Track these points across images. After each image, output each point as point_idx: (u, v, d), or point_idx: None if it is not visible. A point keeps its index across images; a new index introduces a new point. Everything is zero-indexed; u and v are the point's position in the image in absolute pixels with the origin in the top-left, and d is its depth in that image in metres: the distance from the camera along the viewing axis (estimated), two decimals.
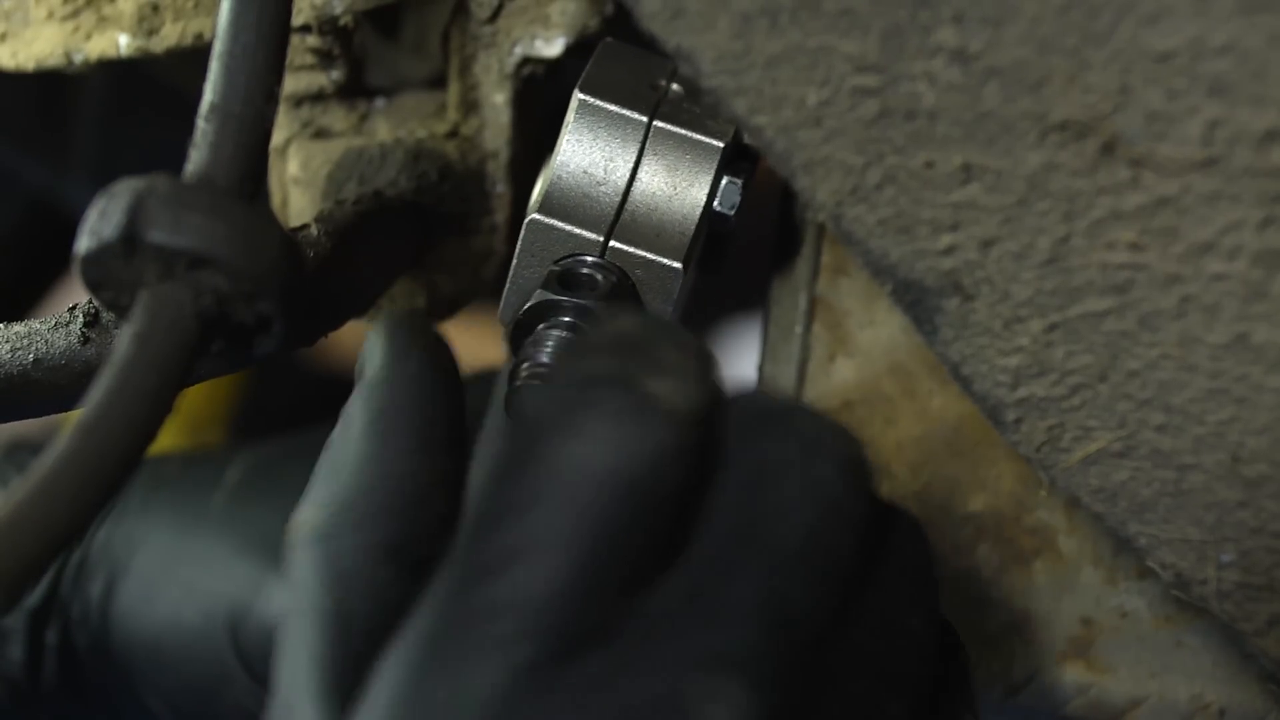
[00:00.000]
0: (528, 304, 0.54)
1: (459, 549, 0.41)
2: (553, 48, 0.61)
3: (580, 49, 0.60)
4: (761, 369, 0.62)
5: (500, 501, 0.41)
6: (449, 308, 0.67)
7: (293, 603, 0.44)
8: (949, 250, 0.50)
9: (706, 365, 0.43)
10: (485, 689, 0.38)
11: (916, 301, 0.51)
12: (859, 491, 0.43)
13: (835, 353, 0.61)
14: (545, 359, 0.52)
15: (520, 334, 0.54)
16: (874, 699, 0.42)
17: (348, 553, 0.44)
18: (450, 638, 0.39)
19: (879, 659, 0.43)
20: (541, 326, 0.53)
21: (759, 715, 0.38)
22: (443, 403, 0.47)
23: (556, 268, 0.54)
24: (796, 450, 0.42)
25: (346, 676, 0.42)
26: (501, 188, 0.64)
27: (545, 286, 0.54)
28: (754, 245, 0.62)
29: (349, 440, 0.46)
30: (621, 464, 0.40)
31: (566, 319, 0.53)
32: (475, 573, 0.40)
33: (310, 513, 0.45)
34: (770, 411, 0.43)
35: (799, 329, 0.61)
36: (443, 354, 0.49)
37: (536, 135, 0.64)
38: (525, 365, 0.53)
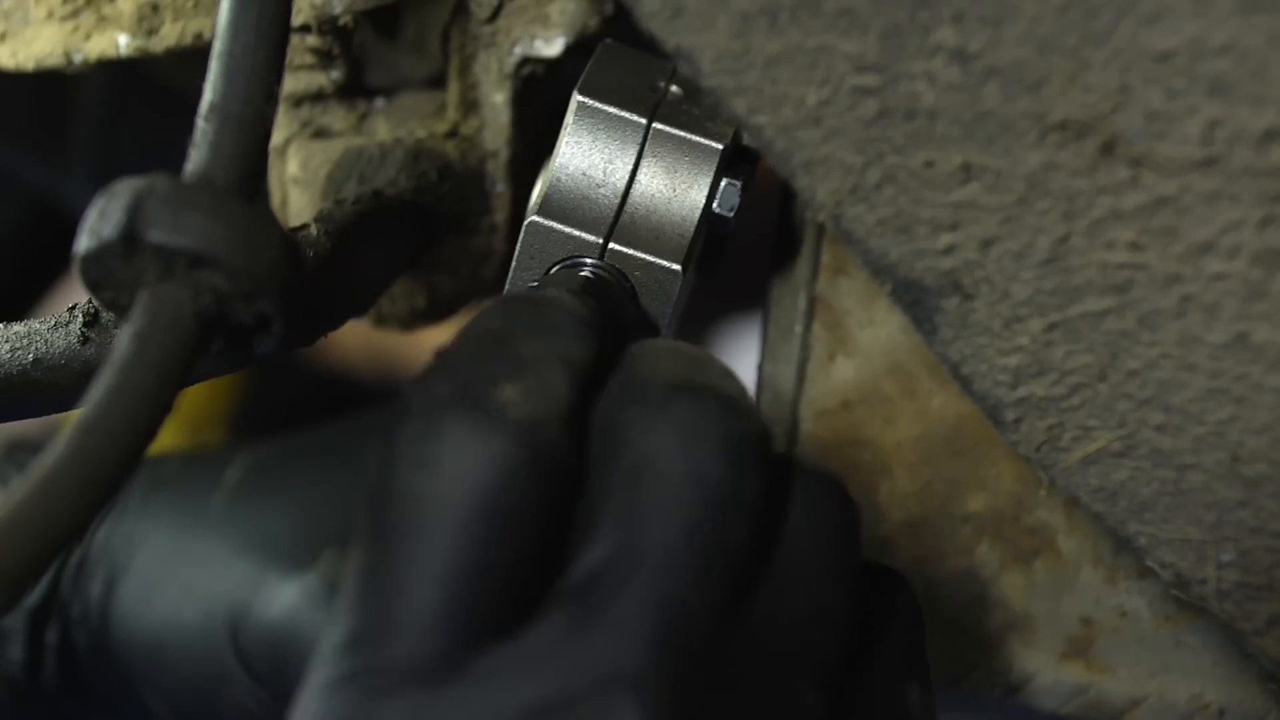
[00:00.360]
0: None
1: (343, 602, 0.40)
2: (552, 47, 0.61)
3: (580, 49, 0.60)
4: (761, 369, 0.62)
5: (366, 549, 0.40)
6: (449, 307, 0.67)
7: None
8: (948, 250, 0.50)
9: (572, 346, 0.43)
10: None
11: (916, 301, 0.51)
12: (746, 470, 0.41)
13: (835, 352, 0.61)
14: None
15: None
16: (786, 688, 0.41)
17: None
18: (335, 690, 0.39)
19: (787, 642, 0.41)
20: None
21: None
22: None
23: (555, 269, 0.54)
24: (674, 439, 0.41)
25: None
26: (501, 187, 0.64)
27: (547, 285, 0.54)
28: (754, 245, 0.62)
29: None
30: (473, 491, 0.39)
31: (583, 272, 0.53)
32: (354, 629, 0.39)
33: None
34: (646, 396, 0.42)
35: (799, 329, 0.61)
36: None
37: (536, 135, 0.64)
38: None
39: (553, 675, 0.38)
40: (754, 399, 0.62)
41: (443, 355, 0.43)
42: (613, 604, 0.38)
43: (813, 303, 0.60)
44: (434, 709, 0.38)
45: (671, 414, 0.41)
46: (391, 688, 0.38)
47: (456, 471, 0.40)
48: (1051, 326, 0.50)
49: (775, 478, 0.43)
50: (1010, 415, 0.52)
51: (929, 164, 0.49)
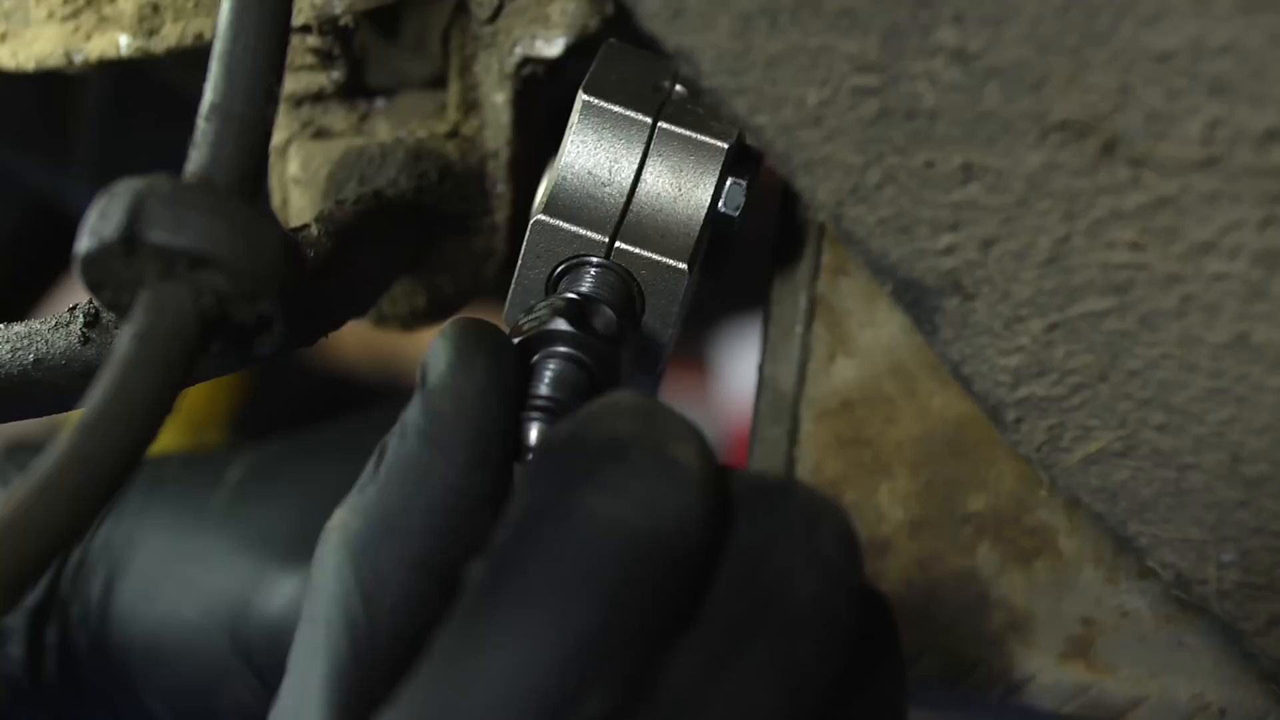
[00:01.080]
0: (524, 328, 0.52)
1: (478, 590, 0.41)
2: (553, 48, 0.61)
3: (581, 49, 0.60)
4: (761, 369, 0.62)
5: (524, 549, 0.41)
6: (449, 308, 0.67)
7: (314, 608, 0.44)
8: (949, 250, 0.50)
9: (705, 437, 0.44)
10: None
11: (917, 301, 0.51)
12: (855, 562, 0.44)
13: (835, 352, 0.61)
14: (545, 390, 0.50)
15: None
16: None
17: (382, 563, 0.44)
18: (463, 690, 0.39)
19: None
20: (538, 357, 0.51)
21: None
22: (500, 417, 0.47)
23: (561, 268, 0.54)
24: (798, 522, 0.43)
25: (360, 696, 0.42)
26: (502, 187, 0.64)
27: (549, 308, 0.52)
28: (754, 245, 0.62)
29: (400, 449, 0.46)
30: (652, 523, 0.40)
31: (563, 349, 0.51)
32: (498, 619, 0.40)
33: (345, 516, 0.45)
34: (768, 486, 0.44)
35: (799, 329, 0.61)
36: (506, 364, 0.48)
37: (537, 135, 0.64)
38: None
39: (690, 716, 0.39)
40: (754, 400, 0.62)
41: (602, 407, 0.44)
42: (746, 654, 0.40)
43: (813, 303, 0.60)
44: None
45: (793, 500, 0.44)
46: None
47: (647, 503, 0.41)
48: (1052, 327, 0.50)
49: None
50: (1011, 415, 0.52)
51: (929, 164, 0.49)
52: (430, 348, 0.48)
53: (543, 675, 0.39)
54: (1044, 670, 0.61)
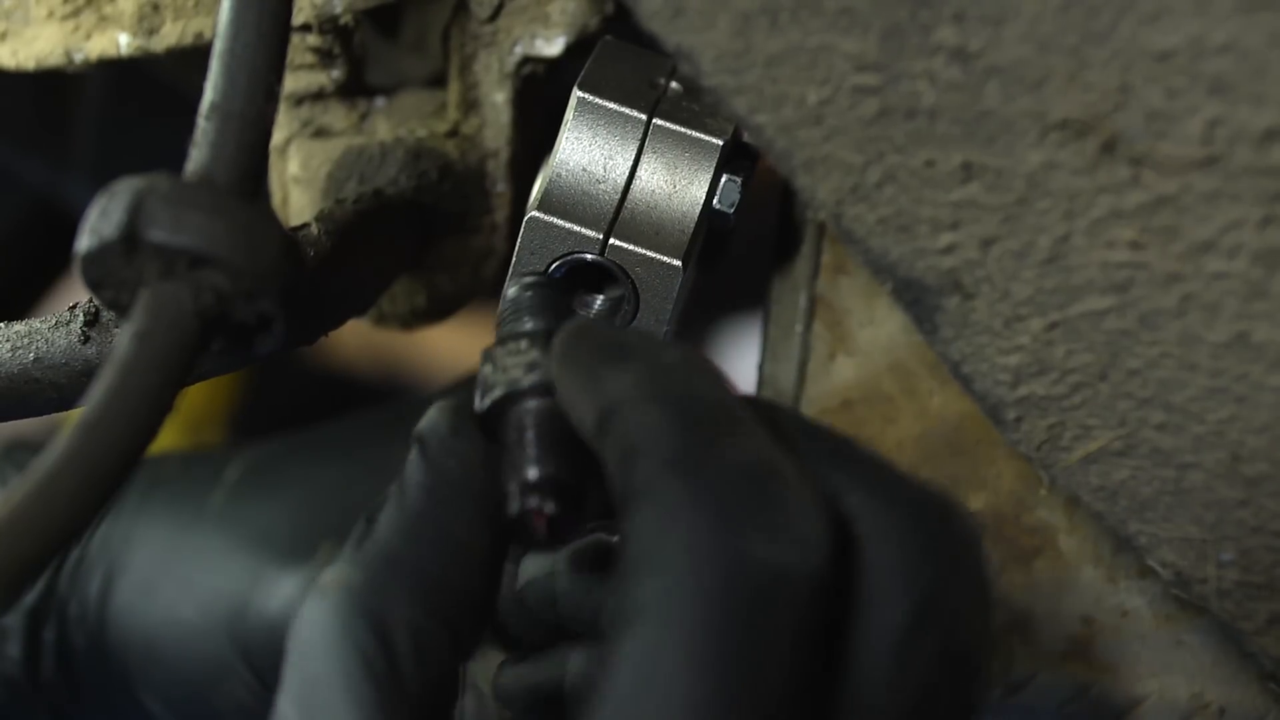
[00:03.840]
0: (503, 307, 0.50)
1: (683, 647, 0.39)
2: (553, 47, 0.61)
3: (581, 48, 0.60)
4: (762, 368, 0.62)
5: (700, 599, 0.39)
6: (449, 307, 0.67)
7: (317, 666, 0.43)
8: (949, 249, 0.50)
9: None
10: None
11: (917, 300, 0.51)
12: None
13: (835, 351, 0.61)
14: (532, 473, 0.46)
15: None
16: None
17: (393, 611, 0.43)
18: None
19: None
20: (514, 428, 0.48)
21: None
22: (496, 483, 0.46)
23: (555, 265, 0.54)
24: (963, 562, 0.43)
25: None
26: (502, 186, 0.64)
27: (530, 289, 0.51)
28: (754, 244, 0.62)
29: (404, 505, 0.46)
30: (815, 566, 0.40)
31: (534, 404, 0.47)
32: (707, 682, 0.39)
33: (343, 572, 0.44)
34: (925, 509, 0.43)
35: (799, 328, 0.60)
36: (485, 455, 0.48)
37: (537, 134, 0.64)
38: (516, 484, 0.48)
39: None
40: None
41: (679, 408, 0.43)
42: (934, 705, 0.41)
43: (813, 302, 0.60)
44: None
45: (952, 533, 0.43)
46: None
47: (803, 542, 0.40)
48: (1052, 325, 0.50)
49: None
50: (1011, 414, 0.52)
51: (929, 163, 0.49)
52: (426, 418, 0.48)
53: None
54: (1044, 670, 0.61)
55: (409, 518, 0.45)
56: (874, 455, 0.44)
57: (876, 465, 0.44)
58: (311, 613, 0.43)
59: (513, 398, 0.47)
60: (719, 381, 0.45)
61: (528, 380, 0.46)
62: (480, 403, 0.47)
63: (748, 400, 0.45)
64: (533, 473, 0.46)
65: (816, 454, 0.43)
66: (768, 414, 0.44)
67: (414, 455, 0.47)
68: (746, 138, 0.55)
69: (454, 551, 0.45)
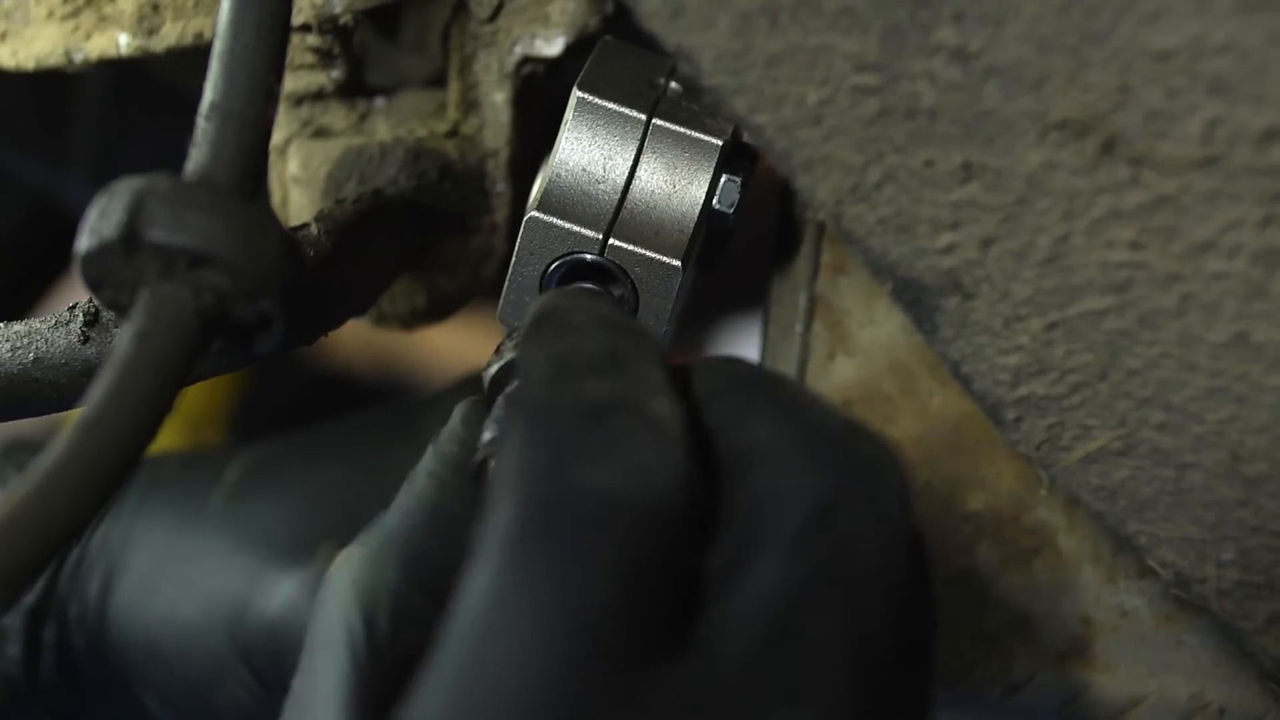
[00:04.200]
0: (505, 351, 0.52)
1: (486, 574, 0.39)
2: (553, 47, 0.61)
3: (580, 48, 0.60)
4: (761, 368, 0.62)
5: (531, 534, 0.39)
6: (449, 307, 0.67)
7: (321, 629, 0.44)
8: (949, 249, 0.50)
9: (663, 360, 0.43)
10: (536, 692, 0.37)
11: (916, 300, 0.51)
12: (913, 523, 0.42)
13: (835, 351, 0.61)
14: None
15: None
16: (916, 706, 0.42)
17: (379, 581, 0.44)
18: (480, 678, 0.38)
19: (922, 689, 0.43)
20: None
21: None
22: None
23: (554, 265, 0.55)
24: (859, 480, 0.41)
25: (373, 698, 0.42)
26: (501, 186, 0.64)
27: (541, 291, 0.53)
28: (754, 244, 0.62)
29: (408, 489, 0.48)
30: (646, 492, 0.39)
31: None
32: (507, 605, 0.38)
33: (352, 548, 0.46)
34: (824, 431, 0.42)
35: (799, 328, 0.61)
36: None
37: (536, 134, 0.64)
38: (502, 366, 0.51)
39: (741, 687, 0.37)
40: None
41: (567, 362, 0.42)
42: (809, 621, 0.38)
43: (813, 302, 0.60)
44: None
45: (857, 451, 0.41)
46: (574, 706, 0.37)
47: (635, 470, 0.39)
48: (1052, 325, 0.50)
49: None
50: (1010, 414, 0.52)
51: (929, 163, 0.49)
52: (456, 413, 0.49)
53: (565, 657, 0.37)
54: (1043, 670, 0.61)
55: (410, 499, 0.47)
56: (798, 393, 0.43)
57: (792, 400, 0.42)
58: (321, 593, 0.45)
59: (506, 370, 0.49)
60: (628, 337, 0.44)
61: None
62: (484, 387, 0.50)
63: (711, 361, 0.45)
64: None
65: (737, 398, 0.42)
66: (705, 368, 0.44)
67: (430, 448, 0.49)
68: (746, 138, 0.55)
69: (444, 525, 0.46)
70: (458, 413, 0.49)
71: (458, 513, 0.46)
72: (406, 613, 0.44)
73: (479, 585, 0.39)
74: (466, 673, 0.38)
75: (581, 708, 0.36)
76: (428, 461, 0.48)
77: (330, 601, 0.44)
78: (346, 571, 0.45)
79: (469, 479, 0.47)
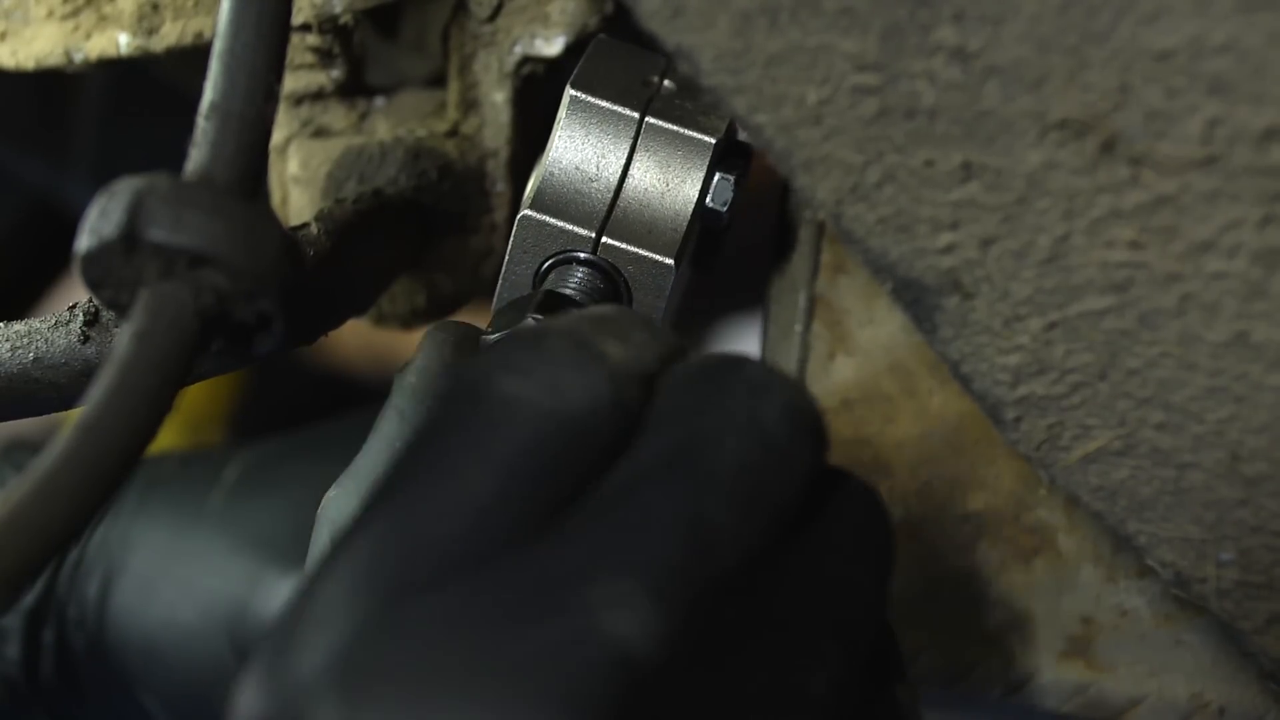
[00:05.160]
0: (503, 325, 0.53)
1: (402, 460, 0.42)
2: (553, 47, 0.61)
3: (580, 48, 0.60)
4: None
5: (438, 425, 0.42)
6: (449, 306, 0.67)
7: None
8: (949, 249, 0.50)
9: (671, 345, 0.45)
10: (395, 589, 0.39)
11: (916, 300, 0.51)
12: (803, 438, 0.43)
13: (835, 351, 0.61)
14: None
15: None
16: (809, 638, 0.42)
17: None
18: (385, 539, 0.40)
19: (817, 604, 0.42)
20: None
21: (660, 630, 0.38)
22: None
23: (548, 263, 0.55)
24: (741, 391, 0.43)
25: None
26: (501, 186, 0.64)
27: (528, 310, 0.53)
28: (753, 244, 0.62)
29: (382, 437, 0.49)
30: (555, 405, 0.41)
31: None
32: (411, 485, 0.41)
33: (331, 493, 0.49)
34: (718, 363, 0.44)
35: (799, 327, 0.61)
36: None
37: (536, 134, 0.64)
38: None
39: (576, 555, 0.39)
40: None
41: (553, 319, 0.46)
42: (649, 503, 0.40)
43: (813, 301, 0.60)
44: (472, 592, 0.39)
45: (744, 373, 0.43)
46: (429, 573, 0.39)
47: (551, 385, 0.42)
48: (1051, 325, 0.50)
49: (829, 467, 0.45)
50: (1010, 414, 0.52)
51: (929, 163, 0.49)
52: (421, 346, 0.50)
53: (432, 540, 0.40)
54: (1043, 669, 0.61)
55: (377, 437, 0.50)
56: (764, 374, 0.44)
57: (751, 377, 0.44)
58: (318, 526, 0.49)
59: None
60: (629, 311, 0.46)
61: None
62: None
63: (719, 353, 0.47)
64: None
65: (702, 370, 0.44)
66: (707, 355, 0.46)
67: (406, 382, 0.50)
68: (742, 136, 0.55)
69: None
70: (422, 344, 0.50)
71: None
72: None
73: (391, 471, 0.42)
74: (345, 545, 0.40)
75: (429, 582, 0.39)
76: (394, 397, 0.49)
77: (313, 550, 0.47)
78: (323, 515, 0.48)
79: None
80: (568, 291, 0.54)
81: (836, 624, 0.42)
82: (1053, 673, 0.61)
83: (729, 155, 0.56)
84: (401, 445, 0.44)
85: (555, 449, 0.41)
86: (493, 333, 0.52)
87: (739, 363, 0.44)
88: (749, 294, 0.68)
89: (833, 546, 0.44)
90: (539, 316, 0.52)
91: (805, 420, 0.43)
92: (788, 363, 0.61)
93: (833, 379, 0.61)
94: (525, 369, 0.42)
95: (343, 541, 0.41)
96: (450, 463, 0.41)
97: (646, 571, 0.39)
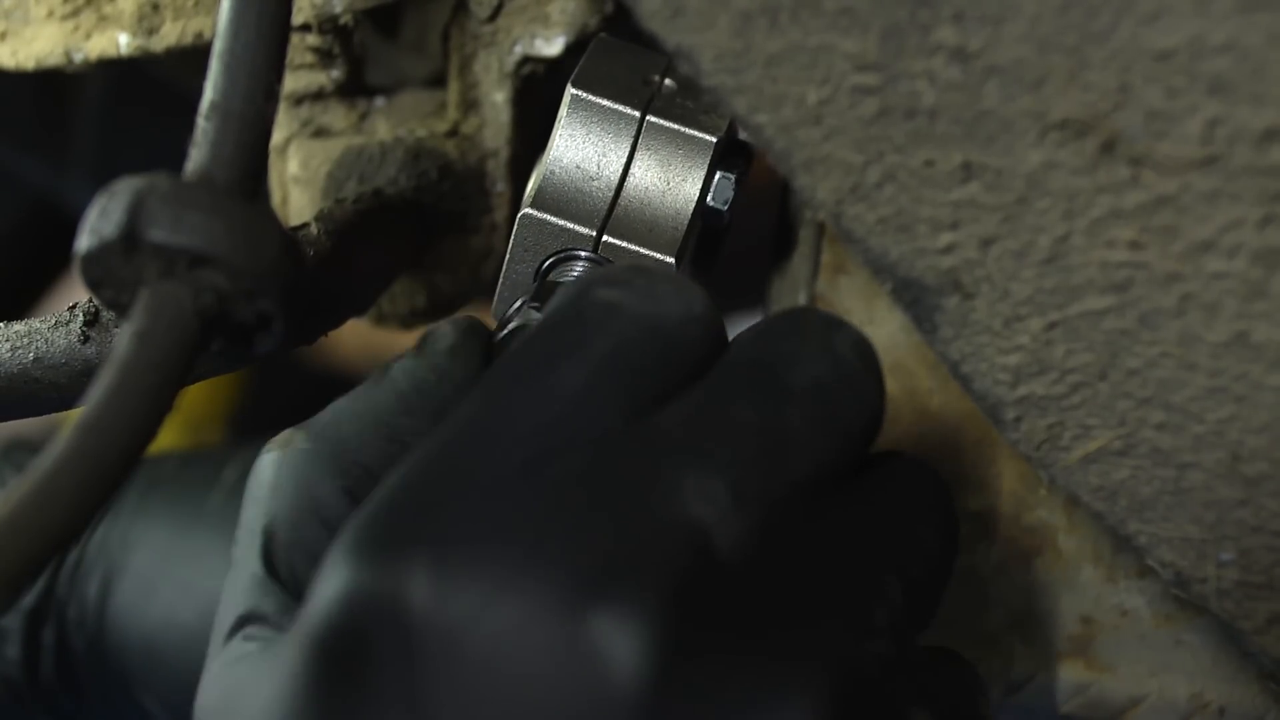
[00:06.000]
0: (509, 320, 0.53)
1: (504, 357, 0.44)
2: (553, 47, 0.61)
3: (580, 48, 0.60)
4: None
5: (541, 326, 0.44)
6: (449, 306, 0.67)
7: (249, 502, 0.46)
8: (949, 249, 0.50)
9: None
10: (487, 470, 0.41)
11: (916, 300, 0.51)
12: (870, 371, 0.45)
13: None
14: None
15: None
16: (873, 571, 0.43)
17: (314, 473, 0.47)
18: (483, 429, 0.42)
19: (882, 544, 0.44)
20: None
21: (739, 525, 0.41)
22: None
23: (549, 262, 0.55)
24: (817, 323, 0.46)
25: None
26: (501, 186, 0.64)
27: (529, 300, 0.53)
28: (753, 244, 0.62)
29: (369, 399, 0.49)
30: (651, 311, 0.44)
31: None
32: (509, 376, 0.43)
33: (289, 433, 0.48)
34: (796, 308, 0.48)
35: None
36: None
37: (536, 134, 0.64)
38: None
39: (662, 451, 0.42)
40: None
41: None
42: (731, 409, 0.43)
43: (813, 301, 0.60)
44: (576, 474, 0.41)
45: (816, 315, 0.46)
46: (521, 456, 0.41)
47: (648, 293, 0.44)
48: (1052, 325, 0.50)
49: (884, 404, 0.47)
50: (1010, 414, 0.52)
51: (929, 163, 0.49)
52: (437, 329, 0.50)
53: (525, 426, 0.42)
54: (1043, 669, 0.61)
55: (371, 413, 0.49)
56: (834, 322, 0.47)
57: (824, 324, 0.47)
58: (263, 458, 0.48)
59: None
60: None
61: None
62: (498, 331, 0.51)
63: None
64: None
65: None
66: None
67: (409, 356, 0.50)
68: (742, 135, 0.55)
69: (395, 452, 0.47)
70: (447, 337, 0.50)
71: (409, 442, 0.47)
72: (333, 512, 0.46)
73: (494, 366, 0.45)
74: (442, 431, 0.42)
75: (521, 465, 0.41)
76: (401, 376, 0.49)
77: (259, 479, 0.47)
78: (290, 456, 0.48)
79: (432, 417, 0.48)
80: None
81: (900, 568, 0.44)
82: (1053, 673, 0.61)
83: (730, 154, 0.56)
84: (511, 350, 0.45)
85: (648, 351, 0.43)
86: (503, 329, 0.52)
87: (811, 309, 0.47)
88: (749, 294, 0.68)
89: (898, 501, 0.46)
90: (536, 305, 0.52)
91: (872, 358, 0.46)
92: None
93: None
94: (624, 281, 0.45)
95: (440, 428, 0.42)
96: (548, 358, 0.43)
97: (729, 468, 0.41)
